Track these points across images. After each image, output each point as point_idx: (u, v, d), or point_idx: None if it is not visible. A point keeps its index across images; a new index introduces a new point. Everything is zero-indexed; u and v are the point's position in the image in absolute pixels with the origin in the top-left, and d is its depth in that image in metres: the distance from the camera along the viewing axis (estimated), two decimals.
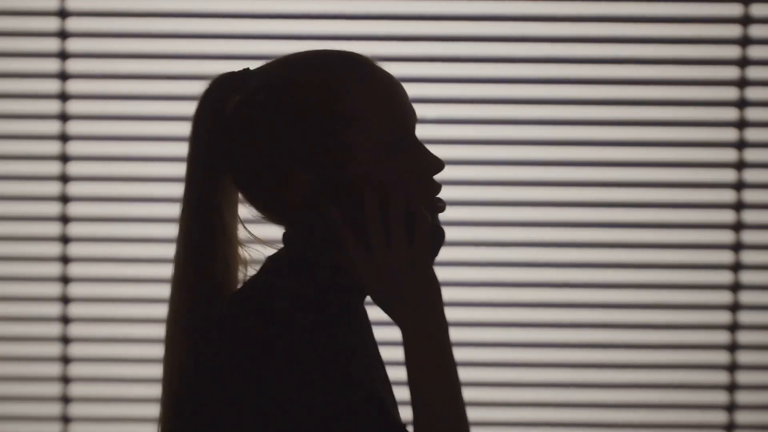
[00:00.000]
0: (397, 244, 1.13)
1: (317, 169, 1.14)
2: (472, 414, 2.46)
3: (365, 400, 1.06)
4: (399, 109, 1.15)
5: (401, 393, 2.44)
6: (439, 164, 1.16)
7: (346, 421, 1.05)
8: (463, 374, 2.45)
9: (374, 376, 1.19)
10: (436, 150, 2.39)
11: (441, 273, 2.41)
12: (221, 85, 1.18)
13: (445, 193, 2.39)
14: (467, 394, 2.45)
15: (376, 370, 1.22)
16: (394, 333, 2.54)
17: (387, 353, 2.45)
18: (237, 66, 2.34)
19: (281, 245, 1.21)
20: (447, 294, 2.42)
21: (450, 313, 2.42)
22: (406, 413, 2.43)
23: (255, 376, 1.06)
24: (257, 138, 1.15)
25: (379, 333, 2.44)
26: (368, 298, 1.21)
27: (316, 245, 1.15)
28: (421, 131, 2.37)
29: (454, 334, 2.43)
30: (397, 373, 2.48)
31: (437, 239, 1.15)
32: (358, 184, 1.13)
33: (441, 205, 1.17)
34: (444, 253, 2.40)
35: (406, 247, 1.12)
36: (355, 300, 1.20)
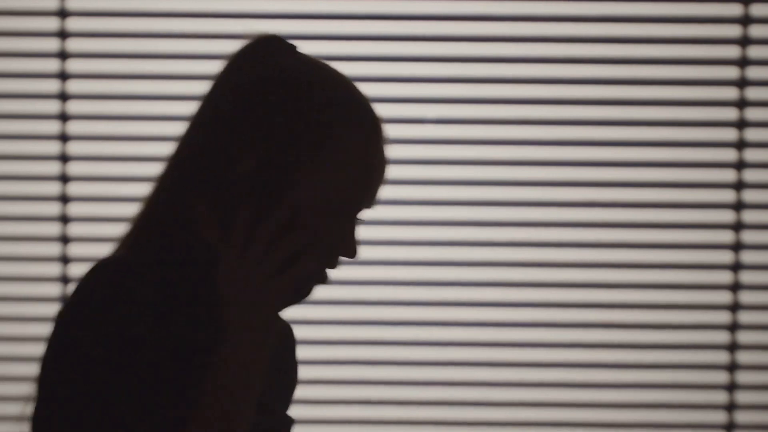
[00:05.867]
0: (253, 255, 1.14)
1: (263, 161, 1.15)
2: (472, 414, 2.46)
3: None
4: (370, 185, 1.18)
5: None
6: (353, 253, 1.20)
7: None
8: (463, 374, 2.45)
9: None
10: (436, 150, 2.39)
11: (451, 272, 2.41)
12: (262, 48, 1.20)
13: (447, 193, 2.39)
14: (468, 393, 2.46)
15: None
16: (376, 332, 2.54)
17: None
18: None
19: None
20: (455, 294, 2.42)
21: (455, 313, 2.42)
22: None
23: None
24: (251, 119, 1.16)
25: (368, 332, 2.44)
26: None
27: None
28: (421, 131, 2.37)
29: (459, 333, 2.43)
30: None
31: (295, 295, 1.18)
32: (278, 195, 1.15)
33: (323, 279, 1.20)
34: (446, 253, 2.40)
35: (257, 264, 1.13)
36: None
